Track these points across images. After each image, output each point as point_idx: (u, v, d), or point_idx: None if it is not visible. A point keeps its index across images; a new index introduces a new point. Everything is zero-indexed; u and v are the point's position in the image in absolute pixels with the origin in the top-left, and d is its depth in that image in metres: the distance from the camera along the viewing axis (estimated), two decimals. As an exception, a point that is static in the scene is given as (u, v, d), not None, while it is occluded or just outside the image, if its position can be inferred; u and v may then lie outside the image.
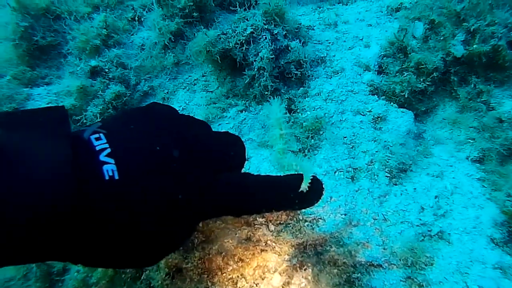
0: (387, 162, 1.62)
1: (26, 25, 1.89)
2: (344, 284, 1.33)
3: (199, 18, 1.94)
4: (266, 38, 1.77)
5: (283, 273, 1.37)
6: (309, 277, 1.31)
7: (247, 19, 1.80)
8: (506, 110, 1.69)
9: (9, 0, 1.89)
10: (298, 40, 1.85)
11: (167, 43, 1.91)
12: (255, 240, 1.45)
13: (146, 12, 2.02)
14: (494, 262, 1.40)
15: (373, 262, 1.39)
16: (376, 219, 1.50)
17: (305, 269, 1.33)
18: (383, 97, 1.81)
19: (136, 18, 2.01)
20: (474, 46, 1.71)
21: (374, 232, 1.47)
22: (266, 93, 1.77)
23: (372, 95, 1.81)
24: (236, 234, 1.45)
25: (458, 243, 1.45)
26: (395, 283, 1.36)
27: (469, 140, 1.73)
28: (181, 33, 1.93)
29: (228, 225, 1.44)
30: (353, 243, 1.43)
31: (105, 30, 1.91)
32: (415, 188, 1.59)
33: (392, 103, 1.79)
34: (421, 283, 1.35)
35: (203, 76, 1.93)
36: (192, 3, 1.90)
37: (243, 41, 1.77)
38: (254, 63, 1.77)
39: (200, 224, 1.38)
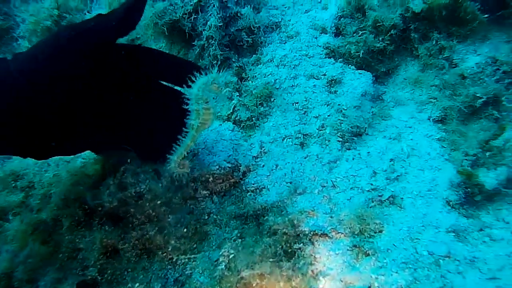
0: (340, 126, 1.47)
1: (-26, 11, 1.80)
2: (283, 255, 1.20)
3: (151, -10, 1.81)
4: (214, 6, 1.63)
5: (222, 246, 1.25)
6: (239, 247, 1.19)
7: (195, -12, 1.67)
8: (469, 65, 1.51)
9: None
10: (250, 6, 1.70)
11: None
12: (197, 214, 1.34)
13: (99, -11, 1.90)
14: (448, 225, 1.24)
15: (317, 232, 1.25)
16: (324, 186, 1.36)
17: (234, 240, 1.21)
18: (340, 59, 1.64)
19: (88, -3, 1.89)
20: (433, -2, 1.53)
21: (321, 199, 1.33)
22: (216, 62, 1.63)
23: (328, 58, 1.65)
24: (177, 213, 1.33)
25: (411, 207, 1.30)
26: (341, 252, 1.22)
27: (431, 99, 1.55)
28: (134, 8, 1.80)
29: (169, 205, 1.31)
30: (297, 212, 1.29)
31: (56, 10, 1.81)
32: (368, 152, 1.44)
33: (350, 65, 1.63)
34: (367, 252, 1.20)
35: (158, 50, 1.80)
36: (143, -23, 1.78)
37: (191, 11, 1.63)
38: (203, 32, 1.63)
39: (136, 208, 1.27)
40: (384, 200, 1.31)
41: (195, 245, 1.28)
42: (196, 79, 1.16)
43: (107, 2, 1.77)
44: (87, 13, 1.86)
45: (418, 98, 1.58)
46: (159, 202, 1.26)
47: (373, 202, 1.31)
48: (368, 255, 1.20)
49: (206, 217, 1.32)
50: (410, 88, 1.61)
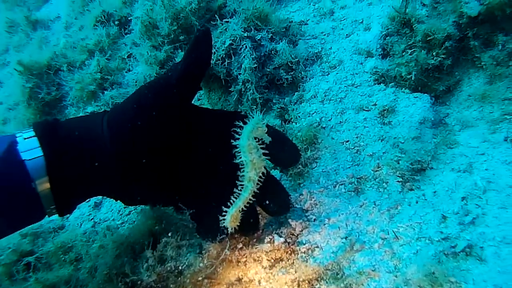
0: (398, 164, 1.25)
1: (31, 86, 1.83)
2: (342, 330, 1.00)
3: (187, 39, 1.72)
4: (246, 47, 1.50)
5: (273, 320, 1.08)
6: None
7: (226, 31, 1.54)
8: (550, 68, 1.22)
9: (15, 66, 1.84)
10: (286, 40, 1.54)
11: (157, 74, 1.71)
12: (247, 281, 1.18)
13: (137, 47, 1.84)
14: (549, 280, 0.97)
15: (380, 297, 1.04)
16: (385, 239, 1.14)
17: None
18: (391, 84, 1.42)
19: (126, 56, 1.83)
20: (491, -3, 1.26)
21: (383, 255, 1.11)
22: (254, 107, 1.48)
23: (377, 84, 1.44)
24: (223, 281, 1.18)
25: (495, 259, 1.03)
26: (412, 321, 1.00)
27: (505, 116, 1.27)
28: (171, 59, 1.72)
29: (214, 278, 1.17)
30: (356, 273, 1.09)
31: (99, 74, 1.78)
32: (435, 191, 1.20)
33: (403, 88, 1.41)
34: (444, 321, 0.97)
35: (199, 99, 1.70)
36: (176, 27, 1.69)
37: (224, 56, 1.51)
38: (239, 76, 1.50)
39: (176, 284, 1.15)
40: (459, 252, 1.06)
41: (245, 319, 1.13)
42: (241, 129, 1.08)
43: (143, 60, 1.70)
44: (128, 72, 1.82)
45: (488, 116, 1.31)
46: (200, 278, 1.12)
47: (445, 255, 1.06)
48: (446, 325, 0.97)
49: (257, 283, 1.17)
50: (478, 106, 1.34)
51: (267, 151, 1.14)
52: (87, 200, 1.62)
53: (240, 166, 1.10)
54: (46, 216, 1.11)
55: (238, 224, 1.14)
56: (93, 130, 1.09)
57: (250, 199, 1.11)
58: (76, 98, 1.79)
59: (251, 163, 1.09)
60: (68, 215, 1.57)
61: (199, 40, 1.15)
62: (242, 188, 1.11)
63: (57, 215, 1.12)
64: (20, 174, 1.00)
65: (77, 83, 1.77)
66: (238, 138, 1.08)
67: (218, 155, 1.18)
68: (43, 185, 1.02)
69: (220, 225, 1.14)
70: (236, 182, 1.11)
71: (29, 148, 1.02)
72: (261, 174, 1.11)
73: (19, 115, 1.93)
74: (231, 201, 1.12)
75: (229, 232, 1.15)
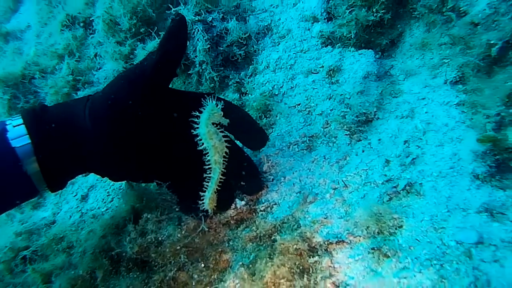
0: (344, 118, 1.34)
1: (9, 97, 1.95)
2: (298, 273, 1.10)
3: (148, 31, 1.82)
4: (198, 30, 1.59)
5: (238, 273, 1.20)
6: (245, 276, 1.12)
7: (179, 17, 1.64)
8: (479, 9, 1.28)
9: (-10, 79, 1.96)
10: (235, 18, 1.63)
11: (124, 68, 1.82)
12: (217, 243, 1.30)
13: (102, 45, 1.95)
14: (479, 204, 1.05)
15: (332, 240, 1.14)
16: (336, 188, 1.24)
17: (238, 268, 1.15)
18: (338, 45, 1.50)
19: (94, 55, 1.94)
20: None
21: (334, 203, 1.21)
22: (213, 85, 1.59)
23: (325, 47, 1.52)
24: (199, 248, 1.29)
25: (432, 192, 1.12)
26: (361, 258, 1.09)
27: (444, 60, 1.35)
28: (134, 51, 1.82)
29: (189, 244, 1.29)
30: (310, 223, 1.19)
31: (71, 76, 1.90)
32: (379, 139, 1.29)
33: (349, 47, 1.49)
34: (387, 253, 1.06)
35: (165, 86, 1.80)
36: (136, 21, 1.79)
37: (179, 41, 1.61)
38: (195, 59, 1.60)
39: (156, 253, 1.27)
40: (400, 191, 1.16)
41: (216, 275, 1.24)
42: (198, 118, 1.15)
43: (109, 56, 1.81)
44: (97, 70, 1.93)
45: (429, 62, 1.38)
46: (178, 247, 1.24)
47: (388, 195, 1.16)
48: (388, 256, 1.06)
49: (226, 245, 1.28)
50: (419, 54, 1.41)
51: (236, 136, 1.27)
52: (74, 194, 1.76)
53: (205, 152, 1.17)
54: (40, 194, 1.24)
55: (215, 205, 1.24)
56: (77, 117, 1.19)
57: (221, 179, 1.19)
58: (52, 102, 1.91)
59: (214, 147, 1.16)
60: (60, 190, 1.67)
61: (173, 28, 1.19)
62: (211, 171, 1.19)
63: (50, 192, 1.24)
64: (11, 161, 1.12)
65: (51, 87, 1.88)
66: (197, 127, 1.15)
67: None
68: (33, 167, 1.14)
69: (201, 209, 1.23)
70: (204, 167, 1.19)
71: (18, 135, 1.13)
72: (224, 154, 1.18)
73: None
74: (205, 185, 1.20)
75: (209, 213, 1.25)
